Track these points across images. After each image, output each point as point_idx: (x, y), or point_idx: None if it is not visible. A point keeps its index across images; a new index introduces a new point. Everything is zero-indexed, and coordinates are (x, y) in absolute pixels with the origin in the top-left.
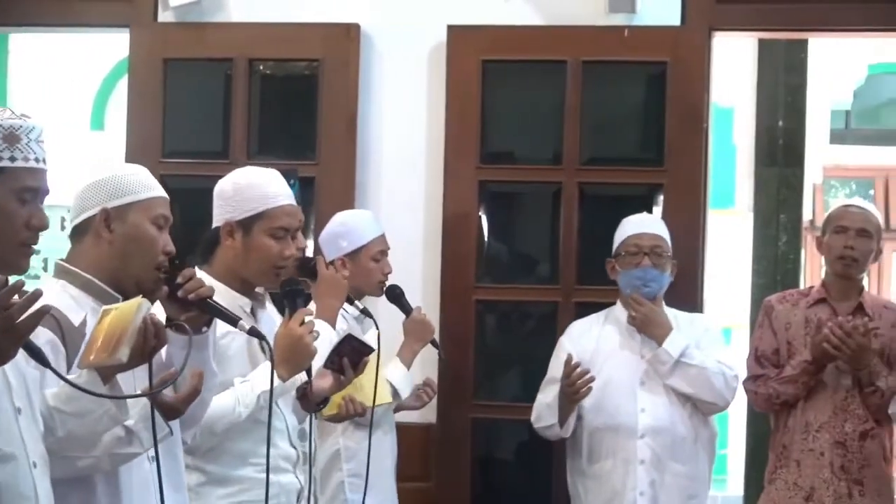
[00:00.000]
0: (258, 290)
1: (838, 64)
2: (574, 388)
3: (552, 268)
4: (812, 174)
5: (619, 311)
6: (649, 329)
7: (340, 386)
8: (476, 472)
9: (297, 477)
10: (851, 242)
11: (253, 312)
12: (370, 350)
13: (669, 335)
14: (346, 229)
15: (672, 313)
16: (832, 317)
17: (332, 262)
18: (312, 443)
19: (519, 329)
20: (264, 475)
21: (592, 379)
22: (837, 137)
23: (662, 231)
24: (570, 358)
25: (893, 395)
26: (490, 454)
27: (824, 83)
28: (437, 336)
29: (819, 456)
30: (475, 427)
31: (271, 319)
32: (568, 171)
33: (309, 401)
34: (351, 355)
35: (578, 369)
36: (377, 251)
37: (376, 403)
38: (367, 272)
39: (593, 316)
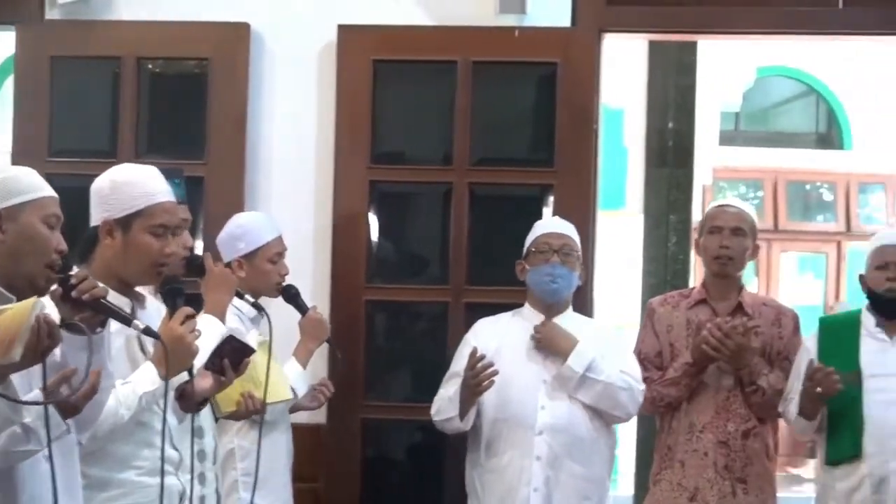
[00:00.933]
0: (139, 289)
1: (728, 66)
2: (477, 380)
3: (442, 268)
4: (702, 175)
5: (527, 310)
6: (553, 346)
7: (221, 386)
8: (366, 473)
9: (178, 479)
10: (726, 242)
11: (133, 312)
12: (251, 351)
13: (574, 349)
14: (243, 231)
15: (580, 320)
16: (712, 317)
17: (228, 264)
18: (211, 441)
19: (409, 329)
20: (146, 478)
21: (496, 373)
22: (727, 139)
23: (573, 234)
24: (474, 350)
25: (775, 393)
26: (380, 455)
27: (714, 85)
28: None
29: (703, 456)
30: (365, 427)
31: (151, 320)
32: (458, 172)
33: (188, 401)
34: (232, 356)
35: (482, 362)
36: (274, 253)
37: (276, 400)
38: (263, 274)
39: (501, 315)
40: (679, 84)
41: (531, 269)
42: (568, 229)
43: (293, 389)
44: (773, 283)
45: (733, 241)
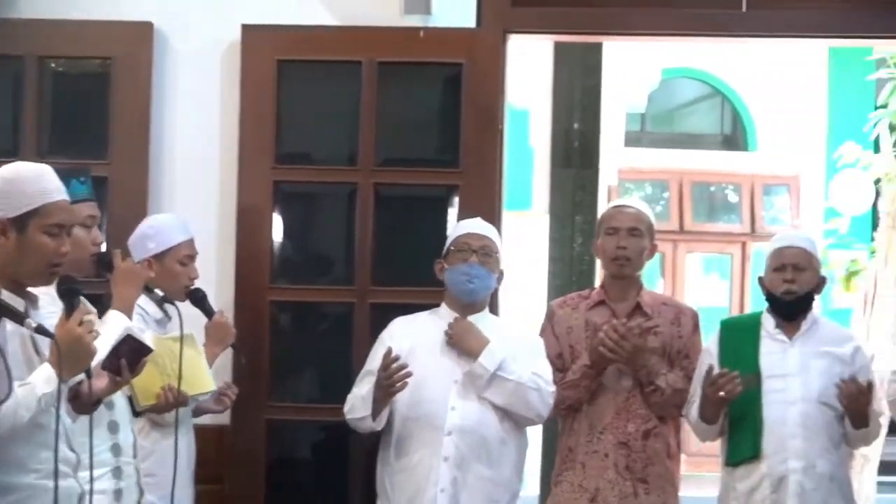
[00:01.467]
0: (37, 290)
1: (633, 67)
2: (390, 381)
3: (347, 269)
4: (607, 176)
5: (443, 310)
6: (464, 344)
7: (116, 387)
8: (271, 475)
9: (77, 481)
10: (623, 242)
11: (26, 312)
12: (148, 350)
13: (486, 348)
14: (154, 231)
15: (496, 322)
16: (611, 318)
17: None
18: (129, 435)
19: (314, 330)
20: (45, 482)
21: (409, 374)
22: (633, 140)
23: (495, 236)
24: (389, 350)
25: (675, 392)
26: (285, 456)
27: (619, 86)
28: None
29: (603, 457)
30: (270, 428)
31: (45, 321)
32: (363, 173)
33: (82, 402)
34: (129, 356)
35: (397, 363)
36: (184, 255)
37: (199, 391)
38: (172, 275)
39: (418, 314)
40: (584, 85)
41: (449, 268)
42: (489, 231)
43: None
44: (678, 284)
45: (630, 242)
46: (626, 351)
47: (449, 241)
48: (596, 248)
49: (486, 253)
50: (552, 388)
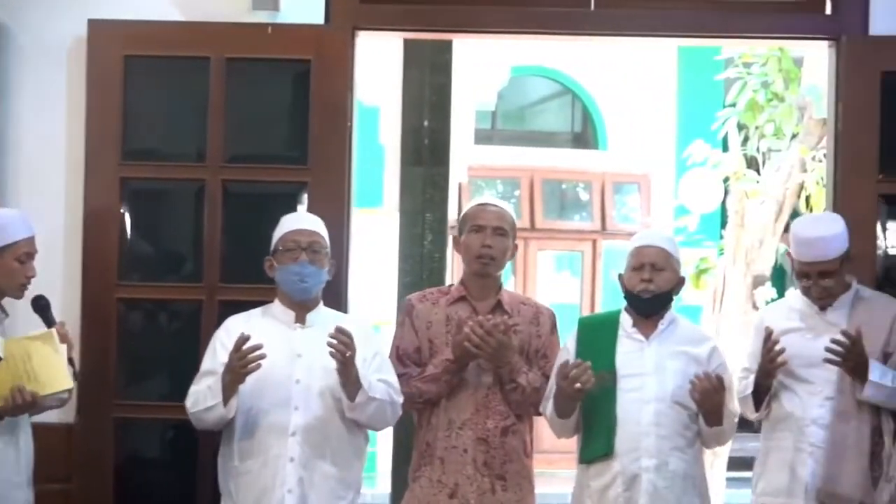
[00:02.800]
0: None
1: (483, 65)
2: (243, 362)
3: (196, 266)
4: (458, 174)
5: (277, 307)
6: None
7: None
8: (119, 473)
9: None
10: (489, 241)
11: None
12: None
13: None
14: None
15: (333, 317)
16: (472, 315)
17: None
18: None
19: (162, 327)
20: None
21: (263, 356)
22: (484, 138)
23: (321, 228)
24: (242, 334)
25: (534, 390)
26: (134, 454)
27: (469, 84)
28: (77, 338)
29: (462, 453)
30: (117, 427)
31: None
32: (211, 169)
33: None
34: None
35: (249, 344)
36: (23, 252)
37: (54, 391)
38: (9, 272)
39: (252, 311)
40: (434, 82)
41: (280, 268)
42: (315, 224)
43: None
44: (529, 281)
45: (496, 241)
46: (491, 347)
47: (276, 238)
48: (457, 245)
49: (315, 249)
50: (401, 399)
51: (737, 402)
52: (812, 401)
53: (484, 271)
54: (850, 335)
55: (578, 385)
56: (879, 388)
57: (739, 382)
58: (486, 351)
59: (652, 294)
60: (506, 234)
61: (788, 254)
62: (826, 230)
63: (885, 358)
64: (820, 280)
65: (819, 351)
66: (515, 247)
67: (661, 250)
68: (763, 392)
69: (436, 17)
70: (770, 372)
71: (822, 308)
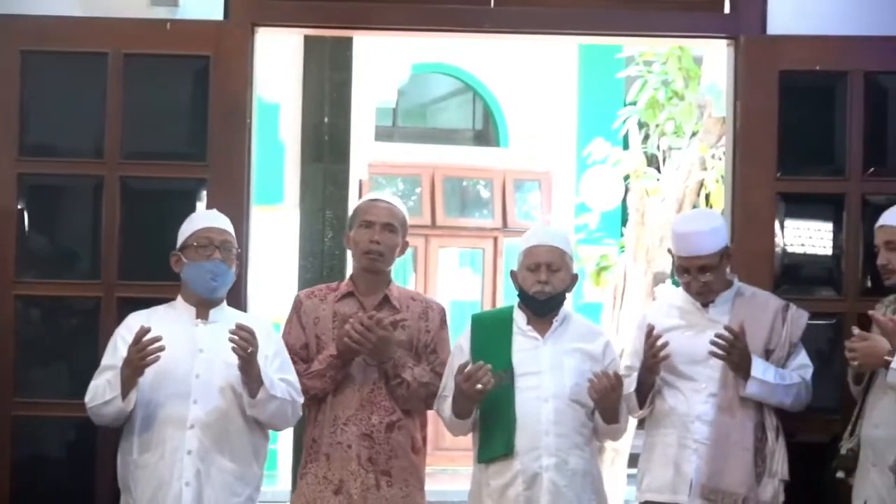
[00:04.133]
0: None
1: (383, 62)
2: (142, 354)
3: (94, 263)
4: (358, 171)
5: (180, 304)
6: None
7: None
8: (16, 472)
9: None
10: (377, 237)
11: None
12: None
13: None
14: None
15: (234, 315)
16: (359, 310)
17: None
18: None
19: (61, 325)
20: None
21: (162, 348)
22: (384, 135)
23: (230, 227)
24: (142, 327)
25: (420, 385)
26: (32, 453)
27: (369, 81)
28: None
29: (347, 449)
30: (15, 426)
31: None
32: (110, 166)
33: None
34: None
35: (149, 336)
36: None
37: None
38: None
39: (154, 308)
40: (334, 79)
41: (189, 264)
42: (226, 223)
43: None
44: (430, 278)
45: (384, 237)
46: (372, 342)
47: (186, 233)
48: (348, 240)
49: (227, 248)
50: (302, 399)
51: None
52: (696, 397)
53: (372, 267)
54: (733, 330)
55: (480, 386)
56: (762, 384)
57: (623, 380)
58: (366, 346)
59: (548, 296)
60: (395, 230)
61: (670, 251)
62: (702, 225)
63: (767, 355)
64: (699, 275)
65: (701, 348)
66: (406, 244)
67: (556, 249)
68: (647, 389)
69: (335, 13)
70: (652, 368)
71: (704, 305)
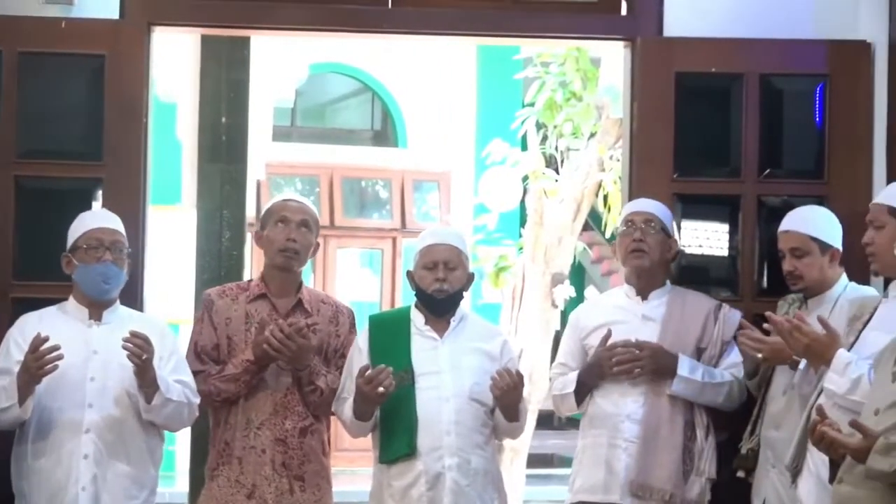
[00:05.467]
0: None
1: (280, 62)
2: (39, 363)
3: None
4: (256, 171)
5: (71, 305)
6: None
7: None
8: None
9: None
10: (294, 235)
11: None
12: None
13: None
14: None
15: (128, 315)
16: (272, 312)
17: None
18: None
19: None
20: None
21: (60, 357)
22: (282, 135)
23: (121, 227)
24: (37, 336)
25: (332, 392)
26: None
27: (267, 81)
28: None
29: (260, 453)
30: None
31: None
32: (4, 165)
33: None
34: None
35: (46, 345)
36: None
37: None
38: None
39: (47, 309)
40: (232, 78)
41: (82, 266)
42: (117, 223)
43: None
44: (329, 279)
45: (300, 235)
46: (291, 350)
47: (76, 234)
48: (259, 239)
49: (118, 249)
50: (198, 399)
51: (532, 398)
52: (626, 397)
53: (287, 265)
54: (635, 344)
55: (381, 389)
56: (689, 382)
57: (555, 379)
58: (286, 354)
59: (446, 294)
60: (310, 228)
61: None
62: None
63: (698, 353)
64: (640, 231)
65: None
66: (318, 244)
67: (453, 248)
68: (586, 390)
69: (232, 12)
70: (604, 374)
71: (642, 294)
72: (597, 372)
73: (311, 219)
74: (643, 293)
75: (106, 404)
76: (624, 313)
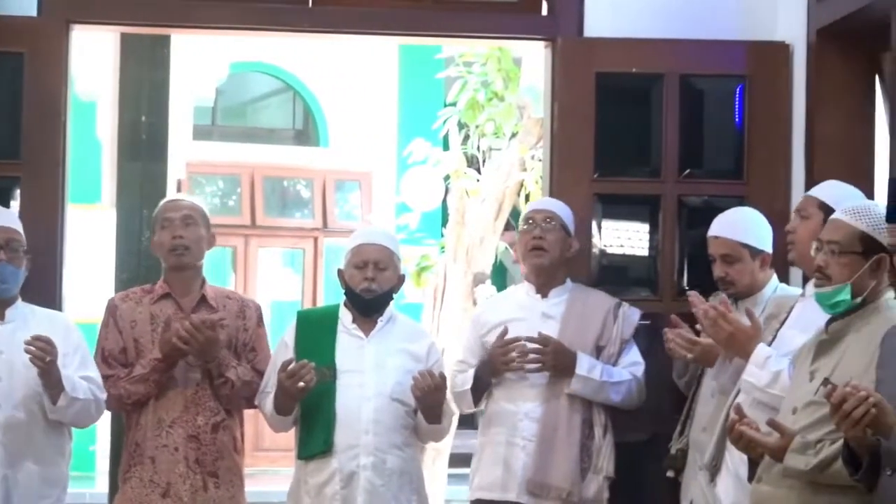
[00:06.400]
0: None
1: (201, 60)
2: None
3: None
4: (176, 170)
5: None
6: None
7: None
8: None
9: None
10: (179, 232)
11: None
12: None
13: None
14: None
15: (34, 313)
16: (177, 311)
17: None
18: None
19: None
20: None
21: None
22: (203, 134)
23: (17, 224)
24: None
25: (243, 384)
26: None
27: (187, 79)
28: None
29: (174, 451)
30: None
31: None
32: None
33: None
34: None
35: None
36: None
37: None
38: None
39: None
40: (152, 77)
41: None
42: (11, 220)
43: None
44: (250, 279)
45: (186, 231)
46: (199, 343)
47: None
48: (154, 245)
49: (13, 248)
50: (104, 395)
51: (450, 396)
52: (525, 394)
53: (179, 263)
54: (541, 339)
55: (302, 384)
56: (586, 381)
57: (455, 376)
58: (194, 347)
59: (375, 294)
60: (196, 222)
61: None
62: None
63: (598, 351)
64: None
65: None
66: (213, 237)
67: (384, 248)
68: (484, 387)
69: (152, 11)
70: (500, 370)
71: (542, 292)
72: (490, 368)
73: (194, 212)
74: (543, 291)
75: (12, 405)
76: (524, 311)
